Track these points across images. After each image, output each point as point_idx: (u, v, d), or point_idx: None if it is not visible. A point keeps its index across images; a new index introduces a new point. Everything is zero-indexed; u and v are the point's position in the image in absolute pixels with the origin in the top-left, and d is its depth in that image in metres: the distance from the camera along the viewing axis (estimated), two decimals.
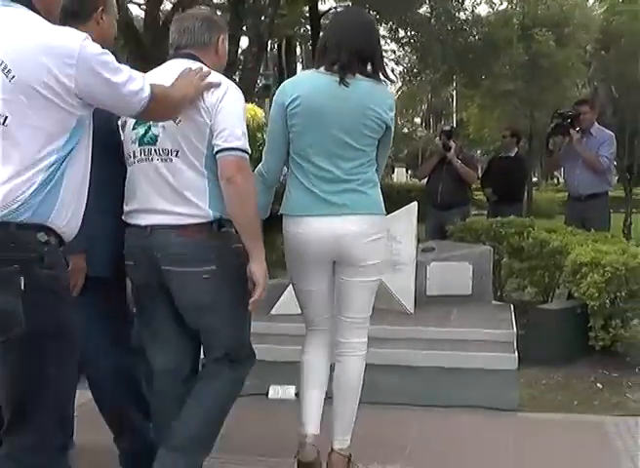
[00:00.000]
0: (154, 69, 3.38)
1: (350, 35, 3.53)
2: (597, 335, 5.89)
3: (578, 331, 6.02)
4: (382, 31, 21.85)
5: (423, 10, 18.78)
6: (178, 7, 15.37)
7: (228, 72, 5.72)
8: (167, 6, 17.59)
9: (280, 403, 5.20)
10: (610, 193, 8.59)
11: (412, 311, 6.79)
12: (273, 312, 6.78)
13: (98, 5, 3.36)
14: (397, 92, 46.85)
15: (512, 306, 7.16)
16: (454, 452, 4.25)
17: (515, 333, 6.22)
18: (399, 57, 24.39)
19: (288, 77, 20.00)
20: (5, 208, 2.48)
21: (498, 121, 26.62)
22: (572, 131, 8.00)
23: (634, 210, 17.99)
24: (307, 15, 20.75)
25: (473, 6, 19.52)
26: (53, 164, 2.55)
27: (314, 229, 3.53)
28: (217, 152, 3.13)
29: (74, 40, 2.56)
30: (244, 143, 3.16)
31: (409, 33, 19.35)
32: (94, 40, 2.65)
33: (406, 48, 21.30)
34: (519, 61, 23.21)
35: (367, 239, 3.55)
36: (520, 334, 6.22)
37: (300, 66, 38.61)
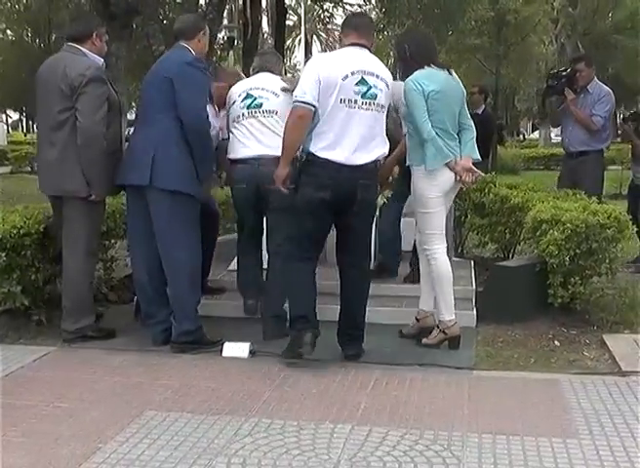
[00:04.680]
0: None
1: (432, 45, 5.62)
2: (556, 293, 5.86)
3: (536, 289, 5.98)
4: None
5: None
6: None
7: None
8: None
9: (234, 360, 5.12)
10: None
11: (371, 267, 6.70)
12: (231, 268, 6.70)
13: (201, 28, 5.46)
14: None
15: (473, 262, 7.11)
16: (408, 411, 4.18)
17: (474, 290, 6.17)
18: (365, 11, 24.09)
19: (253, 31, 19.69)
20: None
21: (463, 77, 26.56)
22: (566, 90, 7.87)
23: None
24: None
25: None
26: None
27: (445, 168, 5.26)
28: None
29: None
30: None
31: None
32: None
33: (372, 1, 21.02)
34: (485, 17, 23.09)
35: None
36: (479, 291, 6.17)
37: (265, 19, 38.07)
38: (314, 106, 4.79)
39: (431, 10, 18.07)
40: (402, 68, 5.57)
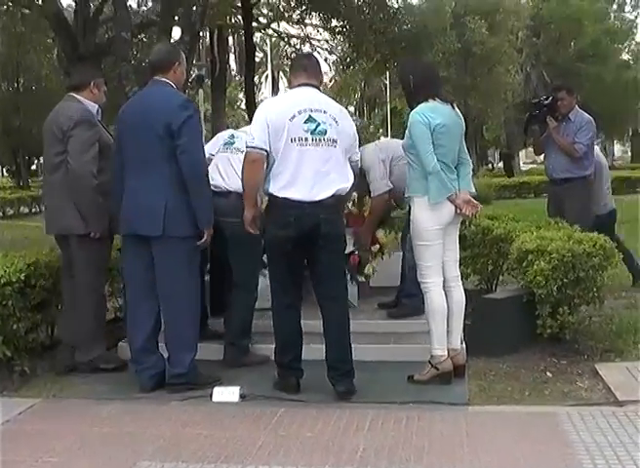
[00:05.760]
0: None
1: (437, 77, 5.84)
2: (545, 323, 5.83)
3: (525, 320, 5.96)
4: (315, 20, 21.69)
5: None
6: None
7: None
8: None
9: (225, 405, 5.02)
10: None
11: (356, 304, 6.66)
12: None
13: (175, 60, 5.44)
14: (330, 81, 46.83)
15: None
16: (408, 452, 4.11)
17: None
18: (332, 46, 24.26)
19: (220, 68, 19.73)
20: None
21: None
22: (548, 118, 7.92)
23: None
24: (238, 4, 20.38)
25: None
26: None
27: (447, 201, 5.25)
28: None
29: None
30: None
31: (342, 22, 19.07)
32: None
33: (339, 37, 21.09)
34: (452, 49, 23.32)
35: None
36: (466, 324, 6.11)
37: (232, 56, 38.14)
38: (265, 150, 4.99)
39: (399, 43, 18.14)
40: (406, 99, 5.71)
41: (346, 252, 6.35)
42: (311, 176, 4.99)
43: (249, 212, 5.12)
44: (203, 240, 5.26)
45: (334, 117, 5.10)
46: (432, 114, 5.22)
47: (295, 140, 4.98)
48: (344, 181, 5.12)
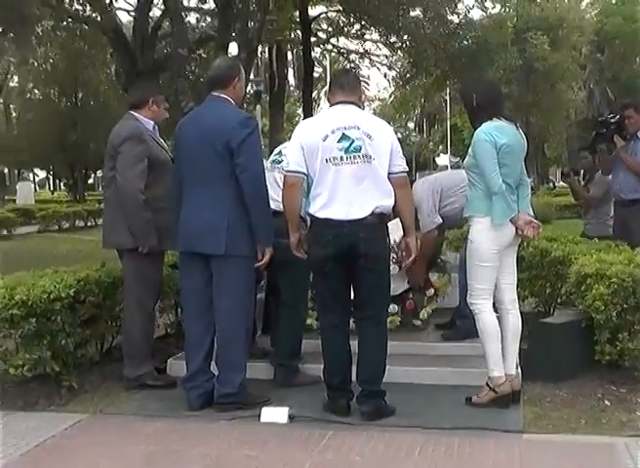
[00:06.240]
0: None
1: (500, 96, 5.67)
2: (603, 349, 5.64)
3: (583, 345, 5.77)
4: (374, 36, 21.65)
5: (415, 14, 18.41)
6: (166, 14, 15.17)
7: None
8: (155, 12, 17.38)
9: (273, 426, 4.95)
10: None
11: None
12: None
13: (235, 75, 5.40)
14: (390, 97, 46.82)
15: None
16: None
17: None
18: (392, 61, 24.20)
19: (279, 83, 19.89)
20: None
21: None
22: (615, 137, 7.74)
23: None
24: (297, 19, 20.42)
25: (466, 10, 19.21)
26: None
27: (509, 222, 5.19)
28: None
29: None
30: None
31: (401, 38, 18.99)
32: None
33: (399, 52, 21.03)
34: (513, 65, 23.06)
35: None
36: (522, 349, 5.96)
37: (290, 71, 38.30)
38: (302, 172, 5.01)
39: (459, 59, 18.01)
40: (469, 117, 5.60)
41: (400, 291, 6.44)
42: (348, 195, 4.95)
43: (293, 236, 5.14)
44: (264, 260, 5.24)
45: (367, 133, 4.99)
46: (498, 133, 5.15)
47: (329, 160, 4.96)
48: (385, 198, 5.03)
